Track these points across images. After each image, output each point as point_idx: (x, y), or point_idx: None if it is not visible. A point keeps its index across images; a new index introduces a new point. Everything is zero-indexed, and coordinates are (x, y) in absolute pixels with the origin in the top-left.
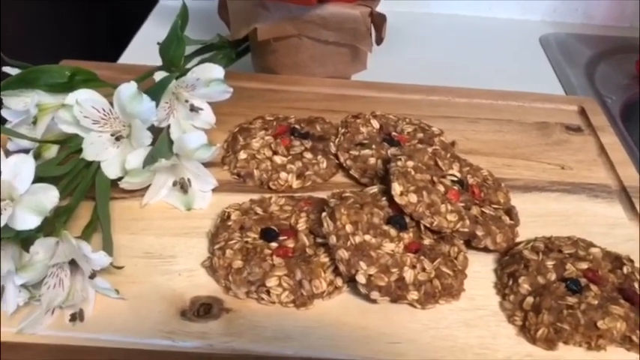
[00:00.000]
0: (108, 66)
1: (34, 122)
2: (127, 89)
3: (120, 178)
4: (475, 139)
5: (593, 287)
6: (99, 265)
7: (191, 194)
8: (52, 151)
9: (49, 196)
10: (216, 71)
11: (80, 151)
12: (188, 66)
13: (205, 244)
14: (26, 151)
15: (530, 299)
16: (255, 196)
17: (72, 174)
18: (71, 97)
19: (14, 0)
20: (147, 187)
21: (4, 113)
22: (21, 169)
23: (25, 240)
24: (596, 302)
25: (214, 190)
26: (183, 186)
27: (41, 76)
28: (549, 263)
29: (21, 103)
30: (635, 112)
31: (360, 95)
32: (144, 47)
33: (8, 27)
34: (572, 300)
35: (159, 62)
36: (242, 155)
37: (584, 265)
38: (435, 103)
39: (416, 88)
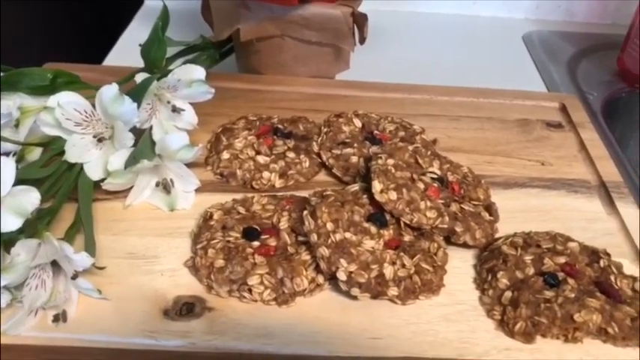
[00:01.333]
0: (91, 68)
1: (17, 125)
2: (109, 91)
3: (103, 180)
4: (456, 137)
5: (571, 281)
6: (81, 266)
7: (174, 195)
8: (35, 154)
9: (31, 198)
10: (198, 72)
11: (63, 153)
12: (172, 67)
13: (188, 244)
14: (8, 153)
15: (508, 294)
16: (238, 196)
17: (55, 176)
18: (53, 100)
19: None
20: (130, 189)
21: None
22: (2, 172)
23: (6, 242)
24: (573, 295)
25: (197, 191)
26: (166, 187)
27: (23, 79)
28: (527, 258)
29: (3, 106)
30: (617, 109)
31: (343, 95)
32: (128, 49)
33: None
34: (549, 294)
35: (143, 64)
36: (225, 155)
37: (561, 260)
38: (417, 101)
39: (398, 86)
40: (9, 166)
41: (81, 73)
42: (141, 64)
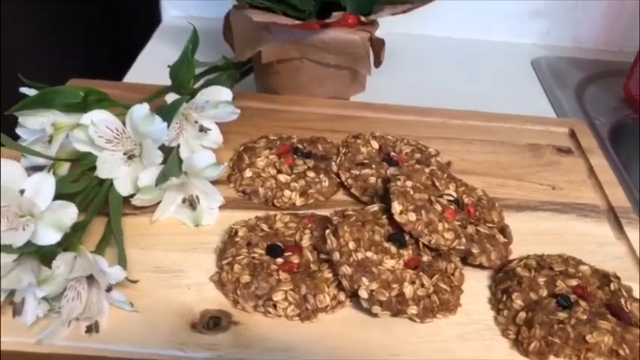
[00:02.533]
0: (114, 85)
1: (50, 140)
2: (140, 110)
3: (131, 195)
4: (470, 160)
5: (582, 303)
6: (115, 279)
7: (199, 211)
8: (64, 168)
9: (69, 213)
10: (225, 94)
11: (93, 168)
12: (195, 86)
13: (213, 259)
14: (40, 168)
15: (522, 314)
16: (260, 213)
17: (86, 191)
18: (86, 118)
19: (17, 21)
20: (156, 204)
21: (20, 132)
22: (42, 187)
23: (42, 254)
24: (585, 317)
25: (221, 207)
26: (191, 203)
27: (56, 97)
28: (541, 280)
29: (37, 122)
30: (623, 134)
31: (358, 116)
32: (148, 66)
33: (12, 46)
34: (562, 315)
35: (163, 81)
36: (248, 173)
37: (573, 282)
38: (431, 124)
39: (412, 109)
40: (49, 181)
41: (106, 90)
42: (161, 80)
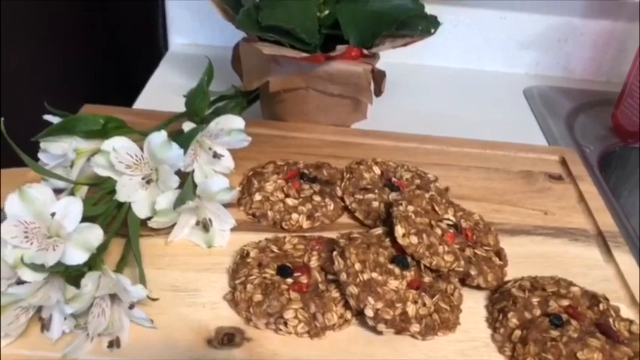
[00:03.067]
0: (127, 111)
1: (71, 165)
2: (158, 137)
3: (148, 218)
4: (466, 186)
5: (574, 322)
6: (137, 297)
7: (212, 233)
8: (82, 192)
9: (95, 234)
10: (237, 122)
11: (112, 192)
12: (206, 113)
13: (226, 279)
14: (58, 191)
15: (518, 332)
16: (269, 235)
17: (106, 214)
18: (108, 144)
19: (19, 47)
20: (171, 226)
21: (42, 157)
22: (70, 209)
23: (68, 273)
24: (576, 335)
25: (232, 229)
26: (205, 225)
27: (78, 124)
28: (534, 300)
29: (59, 147)
30: (611, 162)
31: (360, 142)
32: (157, 92)
33: (17, 71)
34: (555, 333)
35: (172, 106)
36: (257, 197)
37: (565, 302)
38: (430, 151)
39: (411, 137)
40: (77, 204)
41: (118, 116)
42: (170, 106)
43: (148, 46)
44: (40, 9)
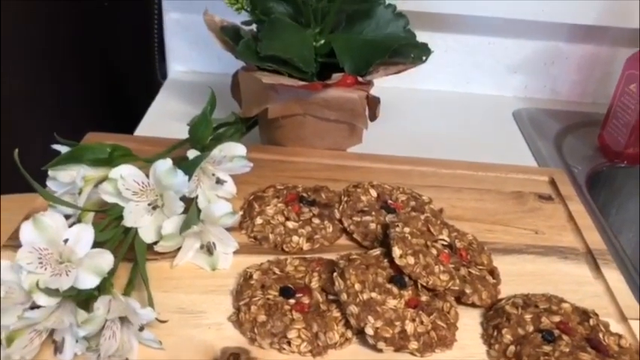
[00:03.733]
0: (130, 138)
1: (79, 192)
2: (163, 165)
3: (155, 242)
4: (460, 207)
5: (565, 337)
6: (146, 320)
7: (215, 256)
8: (89, 218)
9: (106, 260)
10: (240, 149)
11: (118, 218)
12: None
13: (230, 301)
14: (66, 217)
15: (512, 348)
16: (271, 257)
17: (114, 239)
18: (115, 172)
19: (21, 78)
20: (176, 250)
21: (50, 184)
22: (82, 236)
23: (82, 299)
24: (567, 350)
25: (235, 252)
26: (209, 249)
27: (86, 153)
28: (527, 317)
29: (67, 176)
30: (599, 181)
31: (357, 166)
32: (157, 119)
33: (16, 100)
34: (547, 348)
35: (172, 133)
36: (258, 221)
37: (556, 319)
38: (424, 173)
39: (406, 159)
40: (89, 231)
41: (121, 143)
42: (170, 133)
43: (146, 74)
44: (39, 39)
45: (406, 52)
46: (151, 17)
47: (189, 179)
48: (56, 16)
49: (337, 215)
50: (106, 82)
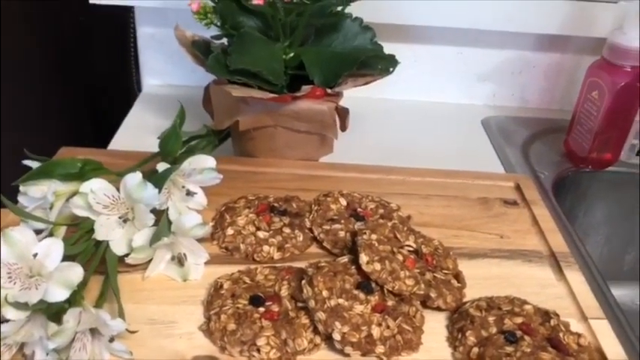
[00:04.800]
0: (102, 152)
1: (50, 207)
2: (133, 178)
3: (125, 255)
4: (428, 213)
5: (527, 338)
6: (117, 331)
7: (187, 267)
8: (61, 232)
9: (76, 272)
10: (209, 161)
11: (90, 232)
12: (179, 152)
13: (201, 310)
14: (39, 231)
15: (475, 349)
16: (242, 267)
17: (85, 252)
18: (86, 186)
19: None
20: (148, 262)
21: (22, 199)
22: (52, 250)
23: (49, 310)
24: (529, 350)
25: (206, 263)
26: (180, 260)
27: (57, 168)
28: (491, 319)
29: (38, 190)
30: (564, 186)
31: (328, 175)
32: (131, 133)
33: None
34: (509, 349)
35: (146, 146)
36: (229, 231)
37: (519, 320)
38: (393, 181)
39: (376, 168)
40: (58, 245)
41: (93, 157)
42: (144, 146)
43: (124, 87)
44: (17, 53)
45: (374, 63)
46: (127, 31)
47: (159, 192)
48: (32, 29)
49: (308, 224)
50: (84, 95)
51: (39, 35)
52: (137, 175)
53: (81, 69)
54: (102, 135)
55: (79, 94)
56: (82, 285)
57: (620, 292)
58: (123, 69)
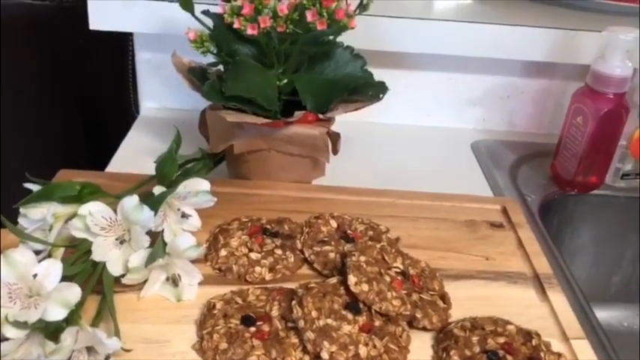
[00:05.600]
0: (101, 174)
1: (50, 229)
2: (130, 201)
3: (122, 275)
4: (416, 235)
5: (509, 357)
6: (112, 349)
7: (181, 287)
8: (59, 252)
9: (74, 292)
10: (204, 184)
11: (87, 253)
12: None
13: (194, 330)
14: (38, 252)
15: None
16: (234, 288)
17: (83, 273)
18: (84, 209)
19: None
20: (143, 282)
21: (22, 221)
22: (51, 270)
23: (51, 330)
24: None
25: (200, 283)
26: (174, 280)
27: (56, 191)
28: (474, 339)
29: (37, 213)
30: (551, 209)
31: (319, 197)
32: (129, 155)
33: None
34: None
35: (143, 169)
36: (223, 253)
37: (501, 340)
38: (383, 204)
39: (366, 191)
40: (57, 266)
41: (91, 179)
42: (141, 169)
43: (121, 111)
44: (16, 77)
45: (364, 90)
46: (126, 55)
47: (155, 214)
48: (33, 53)
49: (299, 246)
50: (83, 118)
51: (39, 59)
52: (134, 198)
53: (80, 92)
54: (101, 157)
55: (77, 117)
56: (80, 304)
57: (607, 314)
58: (123, 91)
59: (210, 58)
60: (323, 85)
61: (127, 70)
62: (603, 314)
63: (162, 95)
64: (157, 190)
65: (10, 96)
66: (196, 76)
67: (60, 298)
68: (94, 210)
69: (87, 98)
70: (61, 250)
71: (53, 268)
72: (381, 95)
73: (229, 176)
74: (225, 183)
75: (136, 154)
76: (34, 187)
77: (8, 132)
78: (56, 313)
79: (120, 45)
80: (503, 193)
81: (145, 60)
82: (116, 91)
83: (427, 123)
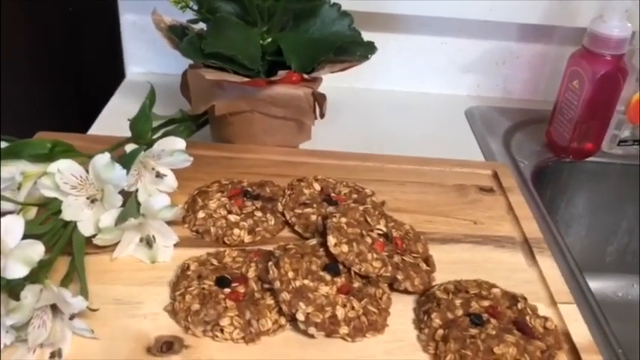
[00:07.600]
0: (80, 137)
1: (19, 188)
2: (101, 159)
3: (93, 236)
4: (402, 199)
5: (493, 321)
6: (77, 309)
7: (155, 249)
8: (31, 213)
9: (36, 250)
10: (179, 143)
11: (58, 212)
12: (154, 137)
13: (167, 292)
14: (8, 212)
15: (440, 331)
16: (212, 250)
17: (52, 232)
18: (53, 166)
19: None
20: (116, 243)
21: None
22: (12, 227)
23: (12, 288)
24: (494, 332)
25: (176, 245)
26: (148, 242)
27: (25, 148)
28: (457, 301)
29: (6, 171)
30: (545, 175)
31: (305, 161)
32: (112, 119)
33: None
34: (474, 331)
35: (126, 133)
36: (200, 214)
37: (486, 303)
38: (370, 168)
39: (353, 155)
40: (18, 222)
41: (71, 142)
42: (123, 132)
43: (110, 74)
44: (1, 42)
45: (352, 49)
46: (113, 18)
47: (128, 173)
48: (19, 19)
49: (280, 208)
50: (72, 83)
51: (27, 27)
52: (105, 156)
53: (68, 57)
54: (89, 123)
55: (66, 82)
56: (47, 263)
57: (602, 284)
58: (111, 56)
59: (190, 16)
60: (308, 43)
61: (117, 35)
62: (598, 284)
63: (147, 59)
64: (129, 147)
65: None
66: (177, 35)
67: (21, 255)
68: (63, 167)
69: (75, 63)
70: (33, 210)
71: (14, 224)
72: (369, 55)
73: (213, 140)
74: (207, 147)
75: (118, 118)
76: (4, 145)
77: None
78: (17, 271)
79: (110, 9)
80: (495, 160)
81: (130, 22)
82: (105, 55)
83: (420, 89)
